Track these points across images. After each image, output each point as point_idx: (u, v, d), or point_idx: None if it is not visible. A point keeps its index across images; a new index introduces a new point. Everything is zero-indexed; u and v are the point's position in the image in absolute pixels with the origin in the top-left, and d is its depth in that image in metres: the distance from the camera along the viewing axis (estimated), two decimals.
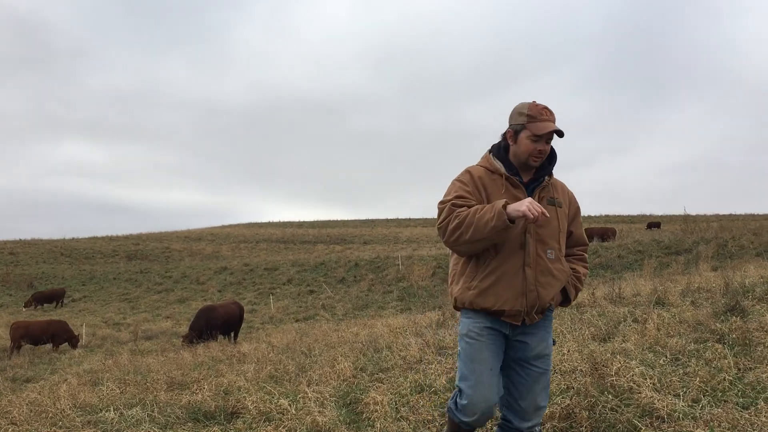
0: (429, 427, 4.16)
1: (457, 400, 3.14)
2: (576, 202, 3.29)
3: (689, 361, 4.98)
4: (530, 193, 3.08)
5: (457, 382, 3.15)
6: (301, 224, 73.97)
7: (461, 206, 3.00)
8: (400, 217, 77.37)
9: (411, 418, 4.46)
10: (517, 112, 3.08)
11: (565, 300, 3.20)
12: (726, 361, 4.82)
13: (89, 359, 13.91)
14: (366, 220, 76.80)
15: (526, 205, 2.80)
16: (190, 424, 5.03)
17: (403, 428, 4.21)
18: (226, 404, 5.38)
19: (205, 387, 6.13)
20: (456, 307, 3.18)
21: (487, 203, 2.99)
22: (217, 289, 31.14)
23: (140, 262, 45.06)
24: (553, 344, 3.19)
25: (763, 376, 4.31)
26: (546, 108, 3.03)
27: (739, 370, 4.67)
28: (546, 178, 3.13)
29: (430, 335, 8.25)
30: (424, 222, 70.76)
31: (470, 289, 3.04)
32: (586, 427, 3.77)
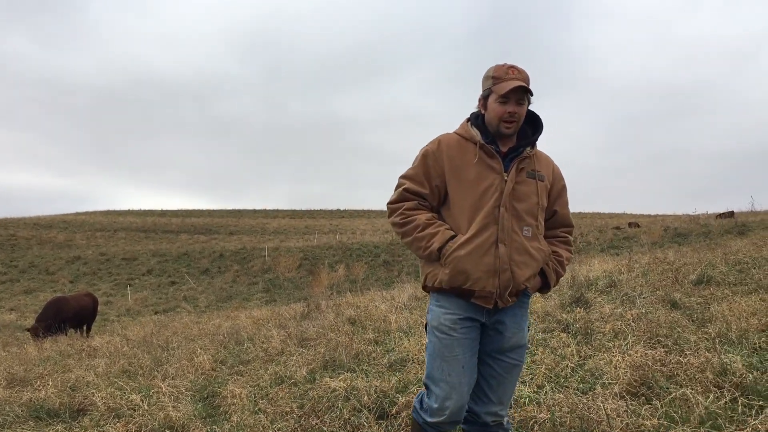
0: (287, 419, 4.13)
1: (424, 399, 2.89)
2: (562, 179, 2.99)
3: (537, 350, 5.27)
4: (507, 165, 2.77)
5: (424, 380, 2.89)
6: (163, 213, 71.01)
7: (415, 194, 2.84)
8: (267, 208, 76.28)
9: (269, 410, 4.41)
10: (485, 77, 2.81)
11: (545, 285, 2.90)
12: (569, 349, 5.16)
13: None
14: (232, 210, 75.02)
15: None
16: (31, 422, 4.71)
17: (260, 421, 4.15)
18: (72, 401, 5.09)
19: (50, 383, 5.76)
20: (425, 287, 2.89)
21: (453, 177, 2.79)
22: (69, 280, 29.30)
23: None
24: (528, 331, 2.91)
25: (601, 362, 4.64)
26: (513, 67, 2.74)
27: (581, 357, 5.01)
28: (528, 148, 2.81)
29: (293, 327, 8.21)
30: (292, 213, 70.25)
31: (439, 266, 2.76)
32: None
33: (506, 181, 2.73)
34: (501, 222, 2.69)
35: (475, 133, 2.80)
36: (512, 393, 2.81)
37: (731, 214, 26.24)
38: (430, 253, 2.74)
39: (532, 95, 2.75)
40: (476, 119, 2.86)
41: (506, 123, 2.73)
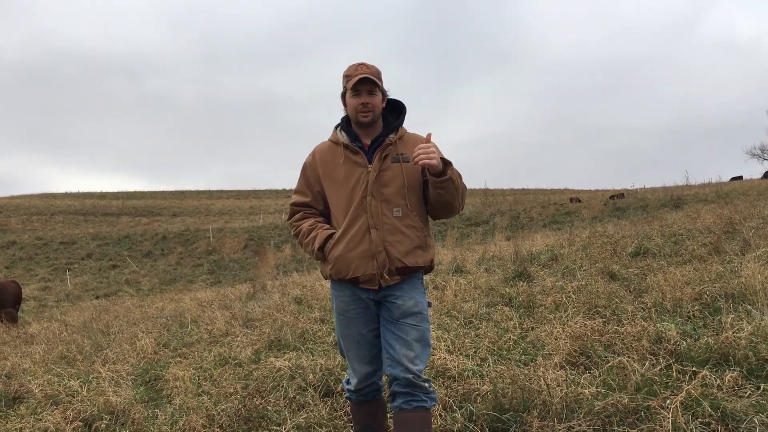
0: (231, 400, 4.08)
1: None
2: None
3: (480, 324, 5.34)
4: (371, 156, 3.00)
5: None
6: (103, 195, 69.16)
7: (300, 205, 3.15)
8: (211, 189, 75.16)
9: (213, 391, 4.36)
10: (342, 77, 3.05)
11: (444, 166, 2.90)
12: (512, 322, 5.25)
13: None
14: (175, 191, 73.56)
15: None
16: None
17: (204, 403, 4.10)
18: (7, 389, 4.95)
19: None
20: (325, 277, 3.17)
21: (327, 180, 3.06)
22: (4, 266, 28.32)
23: None
24: (429, 306, 3.13)
25: (542, 334, 4.74)
26: (362, 64, 3.00)
27: (523, 329, 5.10)
28: (391, 136, 3.03)
29: (238, 308, 8.13)
30: (237, 194, 69.38)
31: (326, 263, 3.05)
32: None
33: (370, 171, 2.99)
34: (370, 210, 2.95)
35: (341, 137, 3.07)
36: (422, 354, 3.00)
37: (621, 195, 27.55)
38: (316, 254, 3.05)
39: (379, 87, 2.99)
40: (344, 123, 3.12)
41: (362, 113, 2.98)
